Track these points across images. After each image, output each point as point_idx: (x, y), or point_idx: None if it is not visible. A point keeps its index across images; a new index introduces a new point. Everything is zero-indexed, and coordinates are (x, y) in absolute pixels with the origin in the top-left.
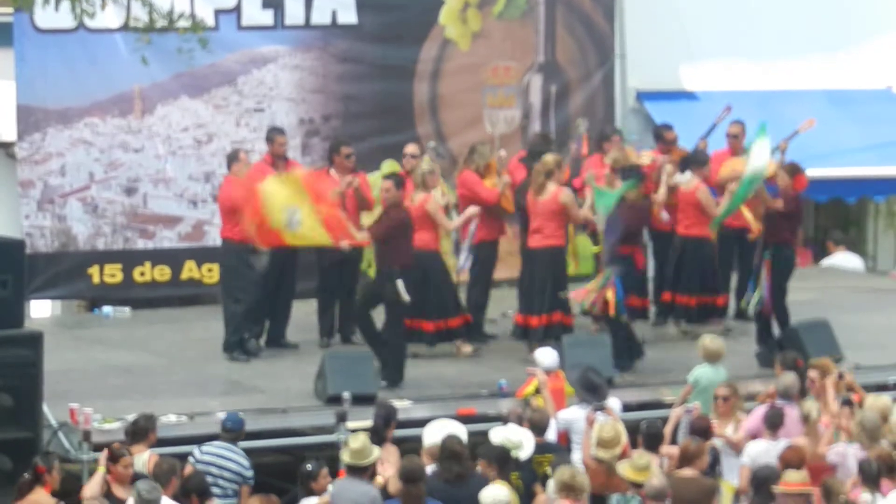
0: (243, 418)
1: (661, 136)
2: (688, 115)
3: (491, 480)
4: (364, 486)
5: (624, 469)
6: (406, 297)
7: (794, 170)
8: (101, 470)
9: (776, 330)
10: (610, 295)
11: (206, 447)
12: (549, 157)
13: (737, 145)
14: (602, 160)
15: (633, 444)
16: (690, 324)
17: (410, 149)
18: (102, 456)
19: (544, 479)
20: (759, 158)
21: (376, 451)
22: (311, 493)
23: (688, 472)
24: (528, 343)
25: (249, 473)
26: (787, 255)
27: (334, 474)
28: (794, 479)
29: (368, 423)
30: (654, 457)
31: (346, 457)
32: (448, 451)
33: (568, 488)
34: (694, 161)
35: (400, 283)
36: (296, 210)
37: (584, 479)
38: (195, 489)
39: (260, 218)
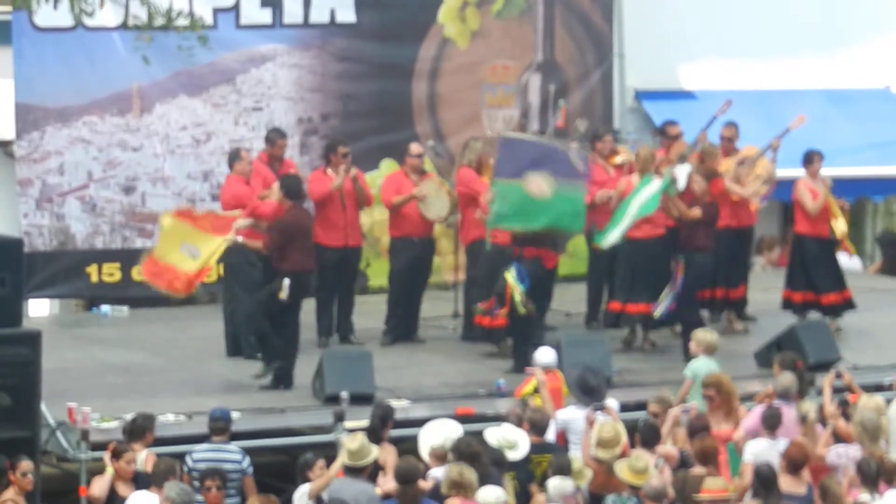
0: (228, 412)
1: (665, 132)
2: (686, 115)
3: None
4: (362, 485)
5: (622, 471)
6: (286, 295)
7: (710, 174)
8: (109, 470)
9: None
10: (515, 294)
11: (197, 454)
12: (646, 150)
13: (730, 147)
14: (596, 158)
15: (632, 444)
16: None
17: (415, 149)
18: (107, 455)
19: (542, 479)
20: (647, 194)
21: (374, 451)
22: (307, 482)
23: (699, 471)
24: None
25: (247, 463)
26: (701, 261)
27: None
28: (714, 487)
29: (366, 422)
30: (651, 456)
31: (344, 458)
32: (466, 454)
33: (457, 486)
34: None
35: (286, 283)
36: (192, 247)
37: (471, 475)
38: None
39: (163, 271)
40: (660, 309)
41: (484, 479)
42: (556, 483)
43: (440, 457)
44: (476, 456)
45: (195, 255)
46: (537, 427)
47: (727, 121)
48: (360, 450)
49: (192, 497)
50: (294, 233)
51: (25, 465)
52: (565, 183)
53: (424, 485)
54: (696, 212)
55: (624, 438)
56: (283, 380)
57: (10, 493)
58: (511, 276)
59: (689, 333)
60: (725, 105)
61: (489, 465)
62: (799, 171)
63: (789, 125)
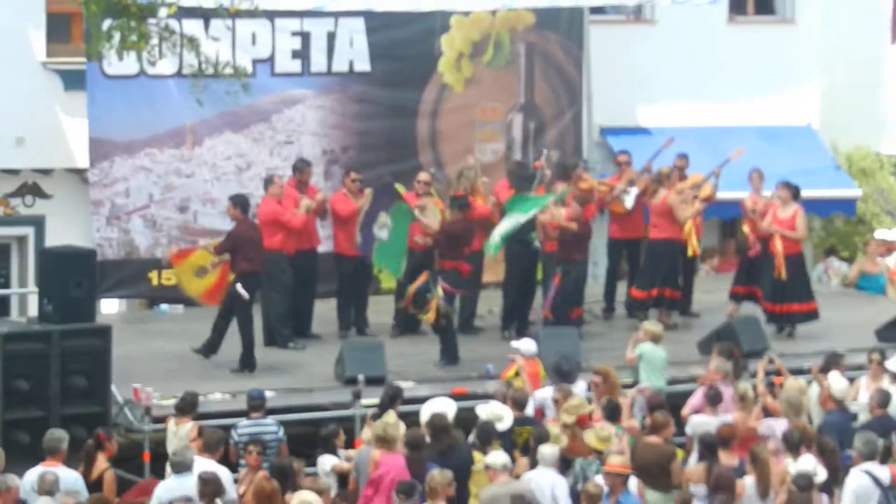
0: (263, 392)
1: (615, 160)
2: (642, 147)
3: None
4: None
5: (589, 438)
6: (245, 296)
7: (584, 200)
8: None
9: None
10: (435, 302)
11: (241, 429)
12: (665, 168)
13: (681, 174)
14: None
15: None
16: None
17: (423, 177)
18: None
19: (524, 447)
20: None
21: (402, 430)
22: (332, 450)
23: (654, 439)
24: (638, 314)
25: (281, 433)
26: (576, 271)
27: (349, 443)
28: (615, 462)
29: (377, 400)
30: (612, 427)
31: (377, 429)
32: (438, 427)
33: (381, 440)
34: (664, 179)
35: (239, 286)
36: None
37: (395, 431)
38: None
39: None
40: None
41: (448, 449)
42: (546, 450)
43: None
44: (446, 429)
45: (204, 273)
46: (518, 403)
47: (679, 152)
48: (395, 427)
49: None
50: (242, 241)
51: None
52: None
53: None
54: (573, 225)
55: (586, 409)
56: (247, 364)
57: (101, 459)
58: (438, 288)
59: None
60: (668, 141)
61: (456, 437)
62: (737, 194)
63: (729, 156)
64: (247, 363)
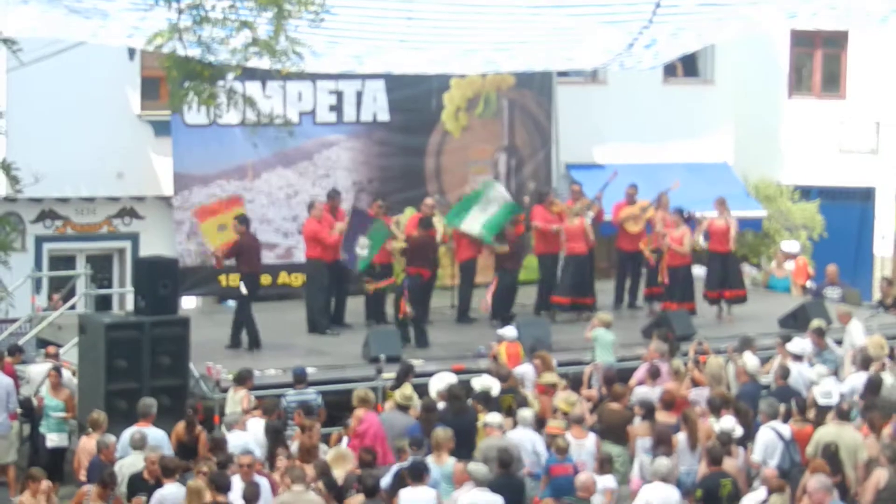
0: (305, 369)
1: (572, 191)
2: (598, 180)
3: (479, 413)
4: (406, 418)
5: (558, 401)
6: (245, 291)
7: (514, 221)
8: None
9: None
10: (403, 303)
11: (290, 397)
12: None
13: (632, 200)
14: (544, 209)
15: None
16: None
17: (429, 201)
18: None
19: (508, 410)
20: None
21: (416, 400)
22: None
23: (615, 405)
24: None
25: (320, 400)
26: (508, 277)
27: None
28: (553, 426)
29: (393, 374)
30: (575, 395)
31: (397, 398)
32: (453, 394)
33: (362, 400)
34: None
35: (242, 284)
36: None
37: (371, 395)
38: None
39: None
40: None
41: (461, 412)
42: (526, 413)
43: (442, 396)
44: (459, 396)
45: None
46: (500, 376)
47: (631, 182)
48: (410, 396)
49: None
50: (245, 249)
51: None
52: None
53: None
54: (504, 248)
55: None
56: (255, 343)
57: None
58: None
59: (505, 322)
60: (612, 175)
61: (466, 402)
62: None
63: (671, 186)
64: (235, 342)
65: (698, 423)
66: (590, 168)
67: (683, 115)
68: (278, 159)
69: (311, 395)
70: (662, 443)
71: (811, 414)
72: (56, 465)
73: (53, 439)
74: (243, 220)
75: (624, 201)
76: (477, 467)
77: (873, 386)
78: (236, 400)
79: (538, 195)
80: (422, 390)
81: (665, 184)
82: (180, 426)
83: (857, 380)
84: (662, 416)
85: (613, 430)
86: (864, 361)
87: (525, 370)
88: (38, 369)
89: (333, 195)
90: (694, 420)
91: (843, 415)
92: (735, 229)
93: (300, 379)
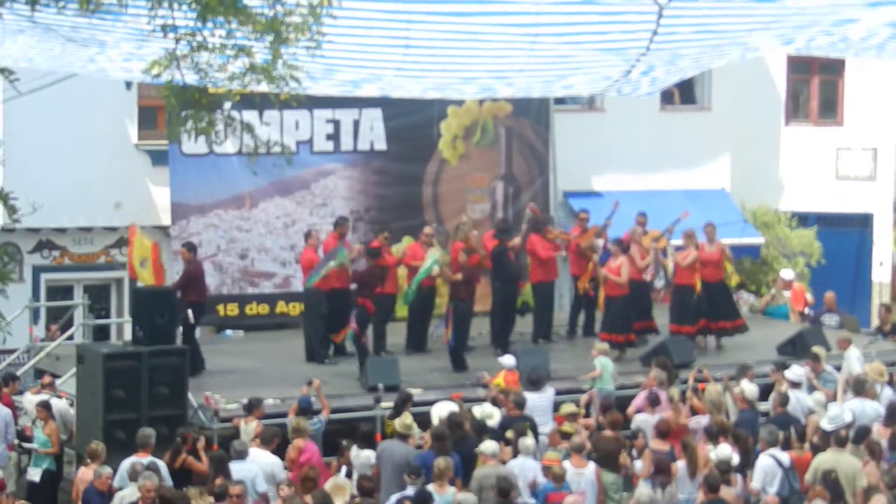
0: (310, 398)
1: (578, 217)
2: (596, 207)
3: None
4: (407, 447)
5: (563, 427)
6: (192, 320)
7: (469, 251)
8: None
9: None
10: (349, 330)
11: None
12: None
13: (643, 229)
14: (539, 238)
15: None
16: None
17: (427, 230)
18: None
19: (507, 440)
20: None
21: (416, 429)
22: (369, 444)
23: (609, 433)
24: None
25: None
26: (464, 307)
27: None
28: (550, 457)
29: (392, 403)
30: (578, 424)
31: (396, 426)
32: (453, 423)
33: (297, 430)
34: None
35: (190, 312)
36: (144, 259)
37: (305, 424)
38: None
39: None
40: (438, 331)
41: (462, 440)
42: (527, 441)
43: (442, 424)
44: (460, 424)
45: (143, 265)
46: (518, 403)
47: (640, 211)
48: (410, 425)
49: (247, 447)
50: (194, 278)
51: (202, 439)
52: None
53: None
54: (458, 276)
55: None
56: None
57: (184, 452)
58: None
59: (461, 351)
60: (615, 205)
61: (467, 430)
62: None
63: (680, 216)
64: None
65: (697, 450)
66: (588, 195)
67: (681, 142)
68: (276, 188)
69: (316, 424)
70: (661, 471)
71: (815, 440)
72: (48, 496)
73: (31, 473)
74: (191, 248)
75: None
76: (465, 497)
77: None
78: (249, 431)
79: (536, 223)
80: (420, 419)
81: (662, 210)
82: (167, 455)
83: (852, 406)
84: (657, 445)
85: (608, 458)
86: (857, 387)
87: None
88: (33, 400)
89: (341, 222)
90: (693, 448)
91: (841, 441)
92: (728, 254)
93: (305, 409)
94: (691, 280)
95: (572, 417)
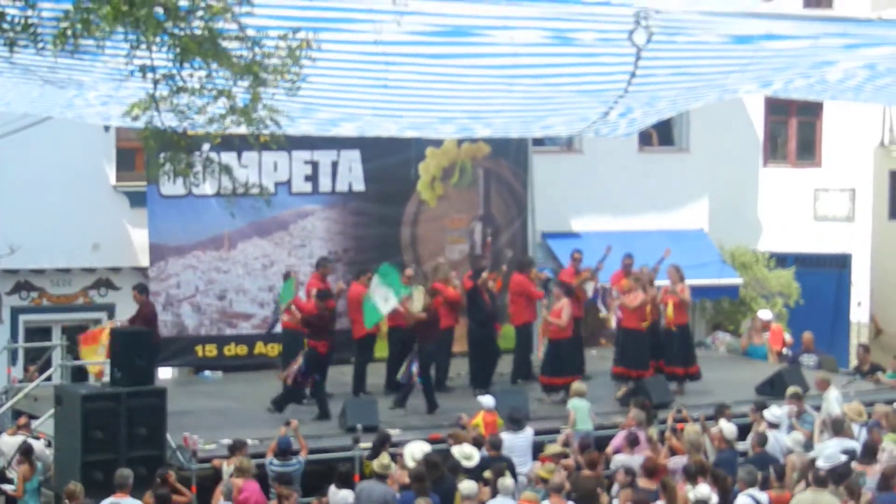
0: (290, 439)
1: (573, 258)
2: (574, 246)
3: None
4: (384, 488)
5: (539, 470)
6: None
7: (432, 292)
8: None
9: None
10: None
11: (274, 466)
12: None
13: (628, 270)
14: (526, 279)
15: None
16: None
17: (409, 272)
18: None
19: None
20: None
21: (394, 467)
22: (347, 485)
23: (588, 472)
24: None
25: (300, 467)
26: (429, 349)
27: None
28: (528, 497)
29: (370, 444)
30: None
31: (375, 467)
32: (430, 463)
33: (240, 470)
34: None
35: None
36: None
37: (249, 463)
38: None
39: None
40: (402, 374)
41: (438, 480)
42: (505, 482)
43: (419, 464)
44: (436, 465)
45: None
46: (477, 443)
47: (627, 252)
48: (387, 465)
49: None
50: (149, 319)
51: (172, 474)
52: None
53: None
54: (422, 315)
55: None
56: None
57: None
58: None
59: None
60: (607, 249)
61: (445, 470)
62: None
63: (663, 255)
64: None
65: (677, 490)
66: (566, 237)
67: (659, 183)
68: (254, 229)
69: (295, 465)
70: None
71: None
72: None
73: None
74: (143, 290)
75: (620, 271)
76: None
77: (869, 450)
78: (232, 470)
79: (519, 264)
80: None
81: (641, 251)
82: (147, 496)
83: (829, 447)
84: (644, 483)
85: (587, 498)
86: (836, 427)
87: (504, 438)
88: (10, 441)
89: (323, 263)
90: (672, 487)
91: (821, 481)
92: (688, 297)
93: (284, 450)
94: (638, 324)
95: (558, 458)
